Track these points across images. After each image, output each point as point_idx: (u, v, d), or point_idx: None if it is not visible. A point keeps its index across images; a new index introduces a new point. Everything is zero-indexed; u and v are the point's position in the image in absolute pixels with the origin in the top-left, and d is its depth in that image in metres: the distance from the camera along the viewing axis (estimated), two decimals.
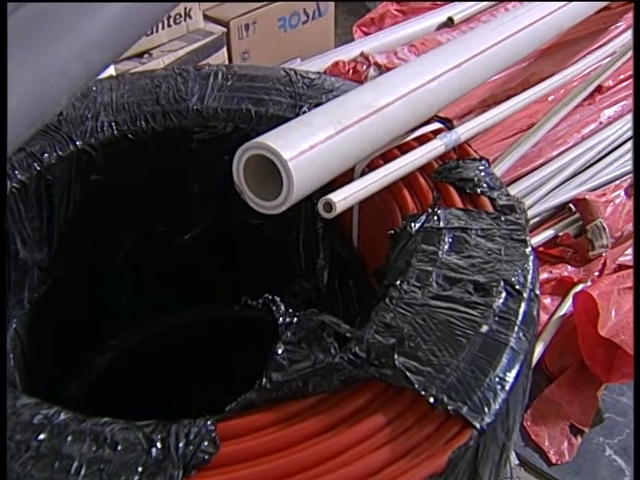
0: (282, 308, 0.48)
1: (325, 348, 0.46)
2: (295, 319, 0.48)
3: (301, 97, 0.74)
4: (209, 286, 0.86)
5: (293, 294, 0.84)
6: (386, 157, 0.66)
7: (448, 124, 0.72)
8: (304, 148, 0.54)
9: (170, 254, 0.82)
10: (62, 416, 0.42)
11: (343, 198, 0.57)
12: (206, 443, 0.41)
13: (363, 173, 0.64)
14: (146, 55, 1.26)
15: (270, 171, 0.55)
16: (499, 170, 1.10)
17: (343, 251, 0.74)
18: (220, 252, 0.85)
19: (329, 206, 0.57)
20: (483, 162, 0.65)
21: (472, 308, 0.49)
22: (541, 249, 1.06)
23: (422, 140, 0.68)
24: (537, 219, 1.11)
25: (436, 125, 0.71)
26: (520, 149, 1.15)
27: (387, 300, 0.51)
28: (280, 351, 0.46)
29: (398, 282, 0.52)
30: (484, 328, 0.48)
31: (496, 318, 0.49)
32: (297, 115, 0.71)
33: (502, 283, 0.51)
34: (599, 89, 1.27)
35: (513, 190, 1.11)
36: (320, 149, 0.55)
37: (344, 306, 0.78)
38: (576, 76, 1.26)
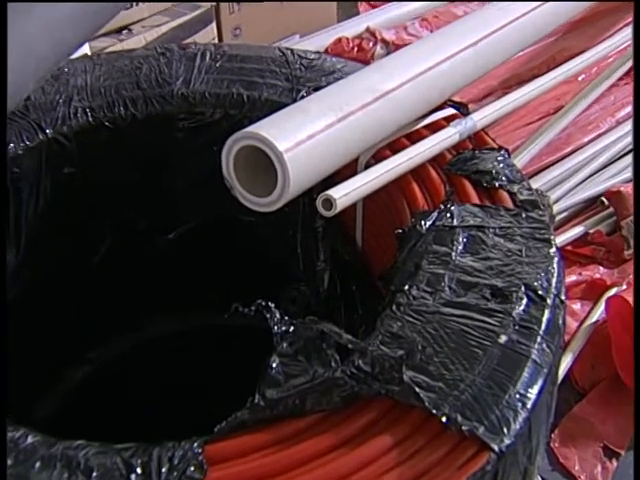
0: (277, 315, 0.49)
1: (325, 361, 0.47)
2: (292, 328, 0.48)
3: (299, 80, 0.75)
4: (196, 291, 0.87)
5: (290, 300, 0.84)
6: (394, 147, 0.67)
7: (463, 110, 0.73)
8: (301, 138, 0.54)
9: (152, 256, 0.83)
10: (30, 439, 0.42)
11: (344, 194, 0.57)
12: (192, 468, 0.42)
13: (368, 165, 0.65)
14: (125, 31, 1.26)
15: (263, 164, 0.55)
16: (521, 160, 1.11)
17: (345, 252, 0.75)
18: (208, 253, 0.85)
19: (329, 203, 0.57)
20: (502, 152, 0.66)
21: (489, 316, 0.50)
22: (569, 248, 1.06)
23: (434, 128, 0.69)
24: (564, 214, 1.11)
25: (450, 111, 0.71)
26: (546, 136, 1.15)
27: (394, 307, 0.51)
28: (275, 364, 0.46)
29: (407, 287, 0.52)
30: (503, 338, 0.48)
31: (516, 327, 0.49)
32: (294, 100, 0.71)
33: (523, 288, 0.52)
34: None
35: (537, 182, 1.11)
36: (319, 139, 0.56)
37: (346, 313, 0.78)
38: (610, 52, 1.26)
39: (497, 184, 0.62)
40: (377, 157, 0.66)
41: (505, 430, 0.44)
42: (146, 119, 0.74)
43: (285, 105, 0.60)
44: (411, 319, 0.50)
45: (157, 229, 0.82)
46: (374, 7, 1.45)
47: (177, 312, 0.88)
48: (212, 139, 0.73)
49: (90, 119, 0.72)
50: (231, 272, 0.86)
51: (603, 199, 1.11)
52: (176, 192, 0.81)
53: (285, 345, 0.48)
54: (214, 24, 1.35)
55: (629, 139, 1.19)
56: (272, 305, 0.49)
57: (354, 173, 0.63)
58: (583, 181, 1.14)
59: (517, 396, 0.45)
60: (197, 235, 0.84)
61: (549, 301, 0.51)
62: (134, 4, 1.26)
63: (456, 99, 0.74)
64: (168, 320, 0.89)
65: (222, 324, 0.71)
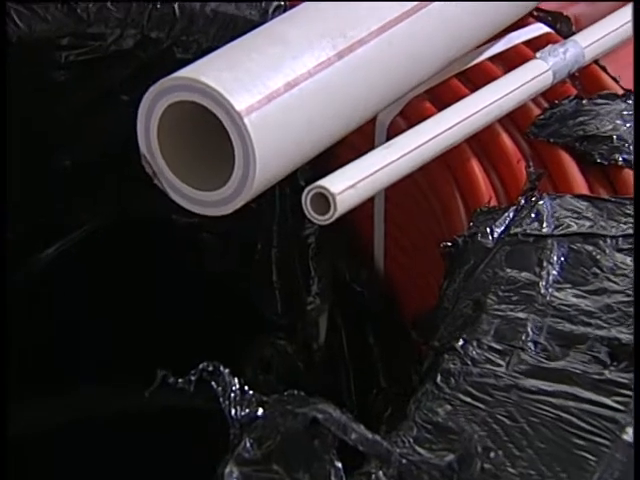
0: (234, 388, 0.49)
1: (319, 474, 0.47)
2: (261, 412, 0.49)
3: None
4: (95, 349, 0.88)
5: (259, 362, 0.85)
6: (438, 97, 0.68)
7: (562, 26, 0.74)
8: (275, 88, 0.55)
9: (22, 283, 0.85)
10: None
11: (350, 185, 0.57)
12: None
13: (392, 132, 0.65)
14: None
15: (210, 136, 0.56)
16: None
17: (356, 280, 0.76)
18: (117, 280, 0.86)
19: (324, 201, 0.57)
20: (628, 101, 0.67)
21: (606, 394, 0.50)
22: None
23: (509, 61, 0.70)
24: None
25: (537, 29, 0.73)
26: None
27: (440, 378, 0.51)
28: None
29: (461, 342, 0.53)
30: (628, 434, 0.48)
31: None
32: (266, 15, 0.72)
33: None
34: None
35: None
36: (306, 89, 0.56)
37: (358, 386, 0.79)
38: None
39: (620, 159, 0.62)
40: (407, 116, 0.67)
41: None
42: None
43: (251, 25, 0.60)
44: (468, 399, 0.50)
45: (27, 239, 0.83)
46: None
47: (64, 386, 0.89)
48: (118, 85, 0.74)
49: None
50: (157, 313, 0.87)
51: None
52: (59, 178, 0.81)
53: (249, 444, 0.48)
54: None
55: None
56: (225, 371, 0.49)
57: (368, 147, 0.63)
58: None
59: None
60: (97, 250, 0.84)
61: None
62: None
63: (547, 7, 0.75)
64: (47, 399, 0.89)
65: (141, 406, 0.71)
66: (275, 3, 0.74)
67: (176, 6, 0.75)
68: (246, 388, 0.49)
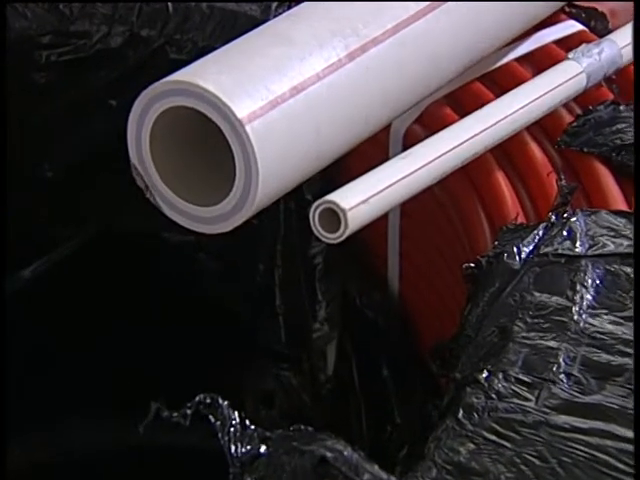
0: (234, 422, 0.49)
1: None
2: (263, 449, 0.49)
3: None
4: (78, 381, 0.88)
5: (263, 395, 0.85)
6: (460, 103, 0.68)
7: (596, 24, 0.74)
8: (280, 93, 0.55)
9: None
10: None
11: (363, 200, 0.57)
12: None
13: (409, 141, 0.65)
14: None
15: (207, 145, 0.56)
16: None
17: (368, 304, 0.76)
18: (102, 305, 0.87)
19: (334, 218, 0.57)
20: None
21: None
22: None
23: (537, 62, 0.70)
24: None
25: (569, 26, 0.73)
26: None
27: (462, 413, 0.51)
28: None
29: (484, 374, 0.53)
30: None
31: None
32: (270, 12, 0.73)
33: None
34: None
35: None
36: (314, 93, 0.56)
37: (370, 422, 0.79)
38: None
39: None
40: (426, 123, 0.67)
41: None
42: None
43: (252, 22, 0.60)
44: (493, 437, 0.50)
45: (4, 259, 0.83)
46: None
47: (48, 421, 0.89)
48: (105, 88, 0.74)
49: None
50: (145, 341, 0.88)
51: None
52: (40, 189, 0.82)
53: None
54: None
55: None
56: (224, 404, 0.49)
57: (382, 158, 0.63)
58: None
59: None
60: (75, 268, 0.85)
61: None
62: None
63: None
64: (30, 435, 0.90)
65: (132, 443, 0.71)
66: None
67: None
68: (247, 423, 0.49)
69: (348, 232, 0.57)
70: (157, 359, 0.85)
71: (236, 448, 0.48)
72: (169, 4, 0.75)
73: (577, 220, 0.59)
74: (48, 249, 0.84)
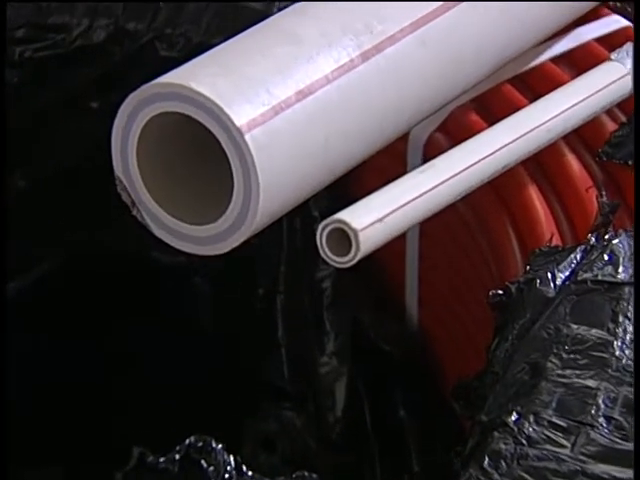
0: (230, 468, 0.49)
1: None
2: None
3: None
4: (55, 421, 0.89)
5: (263, 438, 0.85)
6: (487, 108, 0.68)
7: None
8: (284, 97, 0.55)
9: None
10: None
11: (378, 219, 0.57)
12: None
13: (431, 149, 0.65)
14: None
15: (203, 157, 0.56)
16: None
17: (384, 335, 0.76)
18: (84, 334, 0.87)
19: (343, 238, 0.58)
20: None
21: None
22: None
23: (576, 62, 0.71)
24: None
25: (612, 22, 0.74)
26: None
27: (487, 460, 0.52)
28: None
29: (514, 416, 0.53)
30: None
31: None
32: (274, 4, 0.73)
33: None
34: None
35: None
36: (324, 98, 0.57)
37: (384, 469, 0.79)
38: None
39: None
40: (449, 131, 0.67)
41: None
42: None
43: (254, 15, 0.60)
44: None
45: None
46: None
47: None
48: (86, 88, 0.74)
49: None
50: (130, 377, 0.88)
51: None
52: (7, 201, 0.82)
53: None
54: None
55: None
56: (218, 447, 0.49)
57: (400, 171, 0.64)
58: None
59: None
60: (52, 294, 0.86)
61: None
62: None
63: None
64: None
65: None
66: None
67: None
68: (244, 469, 0.49)
69: (360, 255, 0.57)
70: (142, 396, 0.84)
71: None
72: None
73: (620, 242, 0.60)
74: (22, 271, 0.84)
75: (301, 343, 0.79)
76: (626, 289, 0.58)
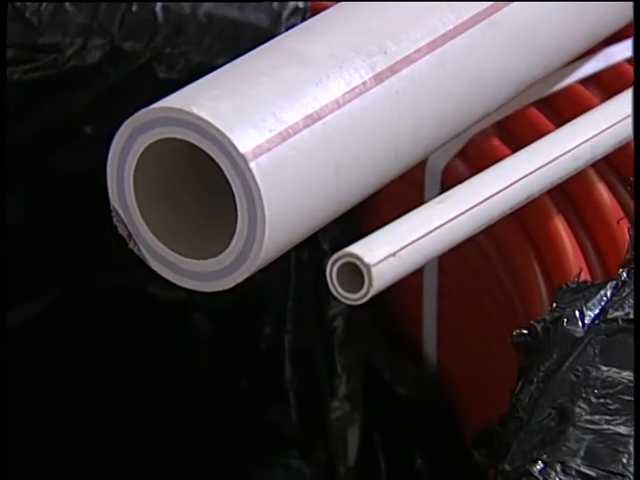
0: None
1: None
2: None
3: None
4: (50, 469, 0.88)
5: None
6: (510, 133, 0.68)
7: None
8: (292, 122, 0.55)
9: None
10: None
11: (392, 253, 0.58)
12: None
13: (450, 178, 0.66)
14: None
15: (204, 186, 0.57)
16: None
17: (399, 380, 0.76)
18: (75, 375, 0.87)
19: (355, 273, 0.58)
20: None
21: None
22: None
23: (606, 84, 0.71)
24: None
25: None
26: None
27: None
28: None
29: (540, 465, 0.53)
30: None
31: None
32: (280, 21, 0.73)
33: None
34: None
35: None
36: (334, 123, 0.57)
37: None
38: None
39: None
40: (469, 158, 0.67)
41: None
42: None
43: (259, 34, 0.60)
44: None
45: None
46: None
47: None
48: (80, 112, 0.75)
49: None
50: (124, 424, 0.88)
51: None
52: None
53: None
54: None
55: None
56: None
57: (416, 201, 0.64)
58: None
59: None
60: (43, 333, 0.86)
61: None
62: None
63: None
64: None
65: None
66: (292, 4, 0.74)
67: (158, 7, 0.75)
68: None
69: (373, 291, 0.57)
70: (136, 443, 0.84)
71: None
72: (157, 11, 0.75)
73: None
74: (8, 310, 0.84)
75: (310, 386, 0.79)
76: None
